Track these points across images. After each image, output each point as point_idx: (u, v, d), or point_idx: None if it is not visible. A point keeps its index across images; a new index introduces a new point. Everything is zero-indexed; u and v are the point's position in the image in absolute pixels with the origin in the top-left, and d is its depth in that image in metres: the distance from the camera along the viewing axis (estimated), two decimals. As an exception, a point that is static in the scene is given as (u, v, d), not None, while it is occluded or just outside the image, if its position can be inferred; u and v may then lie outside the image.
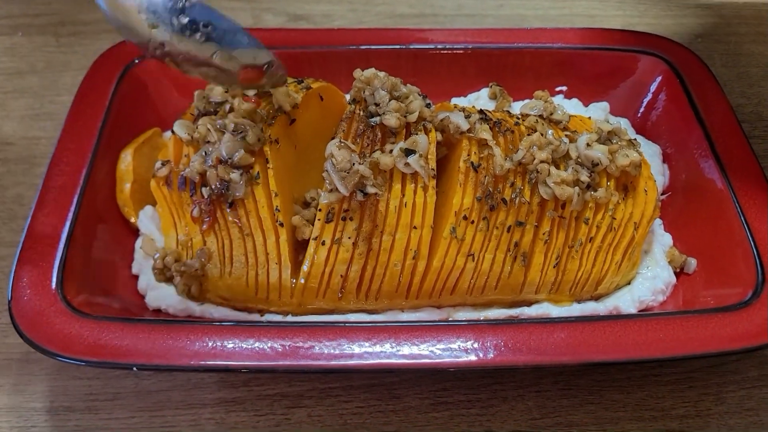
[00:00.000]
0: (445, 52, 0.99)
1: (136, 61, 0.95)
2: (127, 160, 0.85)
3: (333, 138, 0.76)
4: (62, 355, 0.68)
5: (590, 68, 0.99)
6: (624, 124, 0.96)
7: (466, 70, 0.99)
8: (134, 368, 0.68)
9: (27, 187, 0.98)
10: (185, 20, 0.69)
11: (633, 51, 0.98)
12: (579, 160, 0.78)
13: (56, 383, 0.79)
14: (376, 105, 0.78)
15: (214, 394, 0.78)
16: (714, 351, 0.69)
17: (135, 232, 0.86)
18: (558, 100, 0.99)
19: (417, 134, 0.76)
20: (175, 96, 0.97)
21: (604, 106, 0.97)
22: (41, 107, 1.08)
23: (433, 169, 0.75)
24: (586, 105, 0.99)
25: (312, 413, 0.77)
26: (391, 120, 0.75)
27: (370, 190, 0.72)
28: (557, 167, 0.77)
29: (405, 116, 0.76)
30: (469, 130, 0.77)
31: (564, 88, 1.00)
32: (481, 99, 0.98)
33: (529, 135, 0.78)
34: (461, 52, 0.99)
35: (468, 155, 0.76)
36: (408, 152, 0.73)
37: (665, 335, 0.70)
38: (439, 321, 0.74)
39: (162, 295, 0.79)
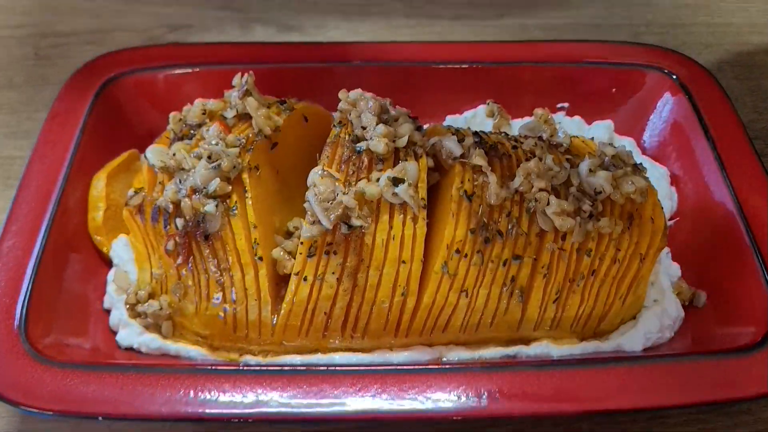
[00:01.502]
0: (440, 68, 0.94)
1: (113, 77, 0.90)
2: (99, 186, 0.80)
3: (317, 165, 0.71)
4: (23, 405, 0.63)
5: (593, 85, 0.94)
6: (629, 145, 0.90)
7: (463, 87, 0.94)
8: (99, 418, 0.63)
9: (1, 210, 0.93)
10: None
11: (638, 66, 0.93)
12: (581, 187, 0.72)
13: (22, 426, 0.74)
14: (363, 129, 0.72)
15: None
16: (725, 399, 0.64)
17: (108, 262, 0.81)
18: (559, 118, 0.94)
19: (406, 160, 0.71)
20: (154, 115, 0.92)
21: (608, 125, 0.92)
22: (18, 125, 1.03)
23: (423, 199, 0.70)
24: (589, 123, 0.93)
25: (295, 455, 0.72)
26: (379, 146, 0.70)
27: (355, 222, 0.67)
28: (557, 196, 0.72)
29: (393, 141, 0.71)
30: (462, 156, 0.72)
31: (566, 105, 0.95)
32: (477, 117, 0.93)
33: (527, 160, 0.73)
34: (457, 68, 0.94)
35: (461, 183, 0.70)
36: (396, 182, 0.68)
37: (673, 381, 0.65)
38: (430, 366, 0.68)
39: (134, 333, 0.74)
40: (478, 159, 0.71)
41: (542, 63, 0.93)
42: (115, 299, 0.76)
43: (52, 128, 0.84)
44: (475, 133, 0.76)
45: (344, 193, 0.68)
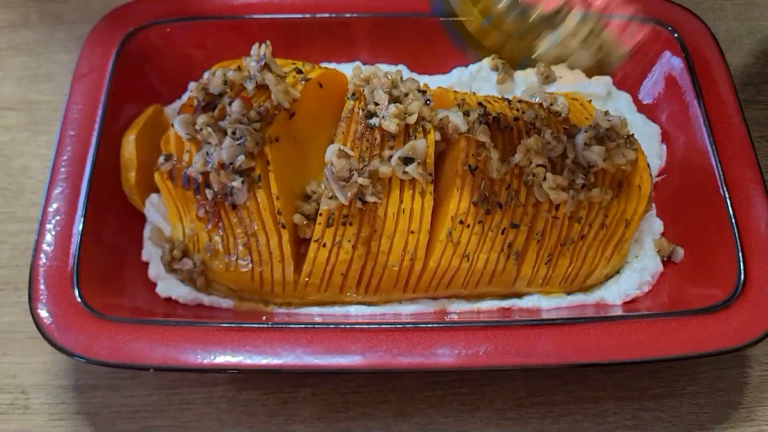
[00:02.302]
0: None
1: (132, 31, 0.94)
2: (129, 147, 0.86)
3: (332, 141, 0.77)
4: (85, 357, 0.73)
5: (595, 37, 0.96)
6: (625, 100, 0.95)
7: (468, 39, 0.97)
8: (151, 369, 0.74)
9: (32, 157, 0.99)
10: None
11: (640, 19, 0.95)
12: (576, 159, 0.79)
13: (80, 363, 0.85)
14: (376, 104, 0.78)
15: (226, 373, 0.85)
16: (691, 354, 0.74)
17: (143, 216, 0.89)
18: (561, 69, 0.98)
19: (415, 137, 0.77)
20: (175, 66, 0.95)
21: (607, 81, 0.96)
22: (38, 67, 1.07)
23: (431, 174, 0.76)
24: (589, 76, 0.97)
25: (316, 392, 0.84)
26: (391, 126, 0.76)
27: (370, 198, 0.75)
28: (554, 166, 0.78)
29: (404, 118, 0.77)
30: (468, 130, 0.78)
31: (567, 57, 0.98)
32: (482, 71, 0.96)
33: (527, 132, 0.79)
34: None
35: (466, 157, 0.77)
36: (406, 161, 0.75)
37: (646, 337, 0.74)
38: (434, 322, 0.77)
39: (172, 285, 0.83)
40: (482, 136, 0.77)
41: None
42: (153, 253, 0.85)
43: (80, 89, 0.88)
44: (480, 104, 0.81)
45: (359, 171, 0.75)
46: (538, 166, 0.77)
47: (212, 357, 0.73)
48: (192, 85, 0.82)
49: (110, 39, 0.93)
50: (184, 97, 0.94)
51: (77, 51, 0.93)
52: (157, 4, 0.96)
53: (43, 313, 0.75)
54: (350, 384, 0.84)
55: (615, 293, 0.83)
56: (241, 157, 0.75)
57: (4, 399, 0.83)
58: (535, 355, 0.73)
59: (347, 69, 0.92)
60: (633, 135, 0.82)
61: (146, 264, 0.86)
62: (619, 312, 0.81)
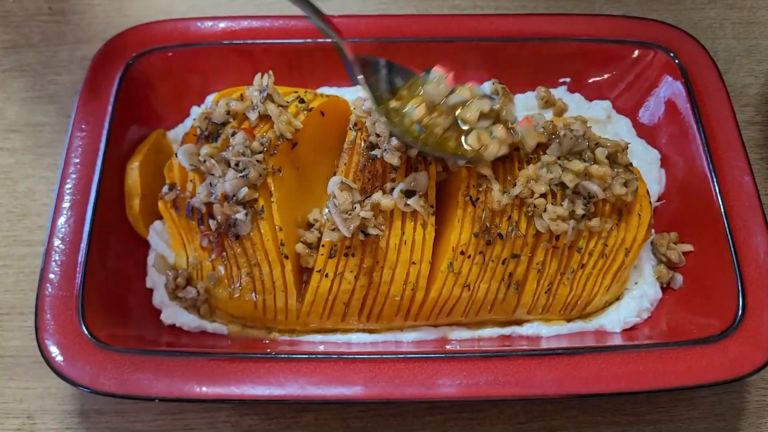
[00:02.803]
0: (447, 42, 0.97)
1: (136, 56, 0.94)
2: (133, 175, 0.87)
3: (334, 172, 0.78)
4: (91, 389, 0.74)
5: (595, 61, 0.97)
6: (625, 124, 0.96)
7: (466, 61, 0.97)
8: (156, 400, 0.75)
9: (36, 180, 1.00)
10: None
11: (641, 43, 0.96)
12: (576, 189, 0.79)
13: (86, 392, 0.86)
14: (378, 136, 0.78)
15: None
16: (690, 385, 0.75)
17: (146, 243, 0.89)
18: (560, 92, 0.98)
19: (417, 168, 0.78)
20: (176, 90, 0.96)
21: (606, 105, 0.96)
22: (42, 88, 1.07)
23: (432, 206, 0.77)
24: (589, 100, 0.98)
25: (318, 417, 0.85)
26: (393, 159, 0.76)
27: (372, 231, 0.75)
28: (554, 195, 0.79)
29: (405, 151, 0.77)
30: (468, 161, 0.78)
31: (567, 80, 0.99)
32: (483, 95, 0.97)
33: (527, 161, 0.80)
34: (461, 42, 0.97)
35: (467, 188, 0.78)
36: (408, 194, 0.76)
37: (645, 368, 0.75)
38: (435, 353, 0.78)
39: (176, 313, 0.84)
40: (484, 169, 0.77)
41: (544, 38, 0.96)
42: (156, 281, 0.86)
43: (84, 115, 0.89)
44: None
45: (362, 204, 0.75)
46: (539, 197, 0.77)
47: (216, 389, 0.74)
48: (195, 112, 0.83)
49: (113, 64, 0.93)
50: (187, 122, 0.95)
51: (80, 72, 0.94)
52: (159, 28, 0.96)
53: (50, 345, 0.76)
54: (352, 409, 0.85)
55: (615, 321, 0.84)
56: (245, 190, 0.76)
57: (12, 424, 0.84)
58: (535, 386, 0.74)
59: (349, 93, 0.93)
60: (631, 164, 0.82)
61: (150, 291, 0.87)
62: (618, 340, 0.82)
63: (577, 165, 0.79)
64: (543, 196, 0.78)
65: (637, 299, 0.85)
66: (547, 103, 0.95)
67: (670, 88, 0.94)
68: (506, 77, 0.97)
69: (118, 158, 0.90)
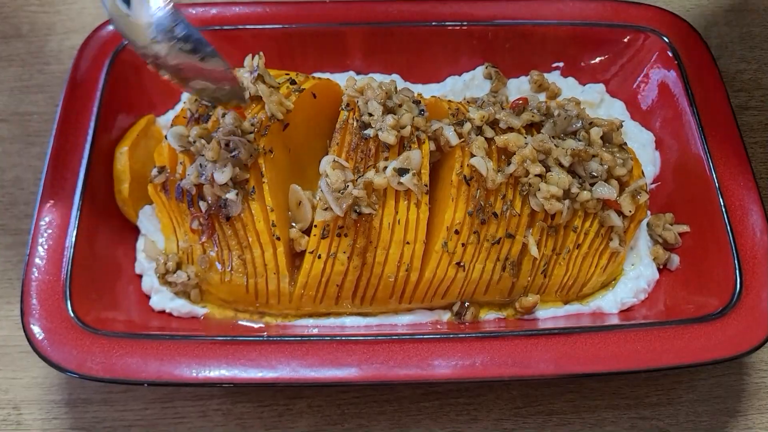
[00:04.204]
0: (442, 27, 0.96)
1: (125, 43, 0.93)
2: (122, 159, 0.86)
3: (327, 153, 0.77)
4: (78, 373, 0.72)
5: (588, 45, 0.97)
6: (619, 107, 0.95)
7: (460, 47, 0.97)
8: (145, 384, 0.73)
9: (24, 168, 0.99)
10: (180, 33, 0.69)
11: (633, 27, 0.95)
12: (572, 168, 0.79)
13: (73, 378, 0.84)
14: (370, 115, 0.77)
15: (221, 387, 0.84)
16: (688, 363, 0.74)
17: (135, 228, 0.88)
18: (554, 77, 0.98)
19: (410, 148, 0.77)
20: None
21: (600, 88, 0.96)
22: (30, 78, 1.06)
23: (426, 185, 0.76)
24: (583, 84, 0.97)
25: (312, 403, 0.83)
26: (389, 138, 0.75)
27: (365, 210, 0.74)
28: (548, 169, 0.78)
29: (399, 131, 0.76)
30: (462, 141, 0.77)
31: (561, 64, 0.98)
32: (476, 79, 0.96)
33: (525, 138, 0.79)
34: (455, 28, 0.96)
35: (461, 167, 0.77)
36: (401, 171, 0.74)
37: (643, 347, 0.74)
38: (430, 333, 0.77)
39: (165, 298, 0.82)
40: (477, 150, 0.76)
41: (537, 21, 0.96)
42: (145, 266, 0.84)
43: (72, 100, 0.88)
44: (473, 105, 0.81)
45: (354, 183, 0.74)
46: (534, 176, 0.76)
47: (207, 371, 0.73)
48: (185, 96, 0.82)
49: (102, 50, 0.92)
50: (177, 108, 0.94)
51: (69, 62, 0.93)
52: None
53: (36, 329, 0.74)
54: (346, 395, 0.84)
55: (611, 302, 0.83)
56: (236, 170, 0.75)
57: (-3, 415, 0.83)
58: (532, 366, 0.73)
59: (341, 79, 0.92)
60: (626, 144, 0.81)
61: (139, 277, 0.85)
62: (615, 321, 0.81)
63: (572, 144, 0.79)
64: (538, 176, 0.77)
65: (634, 280, 0.84)
66: (541, 87, 0.95)
67: (664, 71, 0.93)
68: (499, 62, 0.98)
69: (108, 145, 0.89)
